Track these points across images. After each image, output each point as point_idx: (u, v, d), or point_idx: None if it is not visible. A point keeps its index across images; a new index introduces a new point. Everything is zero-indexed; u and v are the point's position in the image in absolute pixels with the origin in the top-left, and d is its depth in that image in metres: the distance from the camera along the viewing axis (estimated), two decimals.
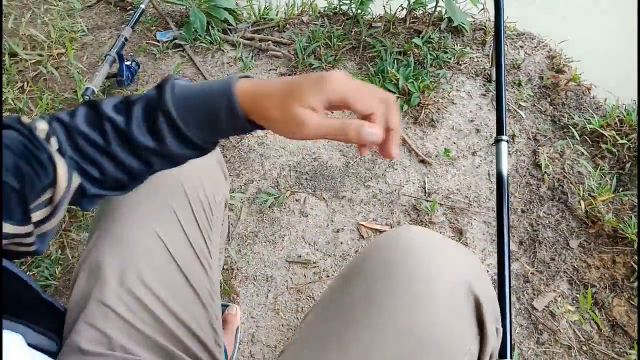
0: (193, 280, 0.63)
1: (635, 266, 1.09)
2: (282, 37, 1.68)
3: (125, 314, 0.57)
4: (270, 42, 1.66)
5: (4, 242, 0.42)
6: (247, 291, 1.16)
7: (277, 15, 1.78)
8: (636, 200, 1.17)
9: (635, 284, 1.08)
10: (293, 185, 1.34)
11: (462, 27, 1.59)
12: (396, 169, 1.34)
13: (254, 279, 1.19)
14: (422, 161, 1.34)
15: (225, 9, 1.66)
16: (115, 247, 0.60)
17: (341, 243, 1.23)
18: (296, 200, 1.31)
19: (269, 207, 1.29)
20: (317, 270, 1.19)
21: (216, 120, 0.48)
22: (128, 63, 1.53)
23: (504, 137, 0.86)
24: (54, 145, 0.48)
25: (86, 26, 1.80)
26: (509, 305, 0.73)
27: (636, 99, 1.30)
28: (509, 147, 1.31)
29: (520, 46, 1.55)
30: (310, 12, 1.78)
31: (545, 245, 1.16)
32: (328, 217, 1.28)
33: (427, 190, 1.29)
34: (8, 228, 0.42)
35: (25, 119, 0.48)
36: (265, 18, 1.78)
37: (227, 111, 0.47)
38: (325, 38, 1.61)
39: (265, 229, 1.26)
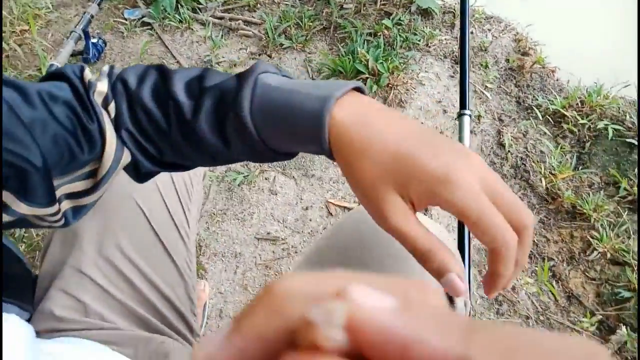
0: (172, 250, 0.63)
1: (592, 240, 1.14)
2: (252, 17, 1.67)
3: (102, 282, 0.57)
4: (240, 21, 1.65)
5: (21, 214, 0.37)
6: (215, 268, 1.17)
7: None
8: (595, 178, 1.21)
9: (590, 257, 1.13)
10: (262, 164, 1.34)
11: (432, 10, 1.61)
12: None
13: (222, 255, 1.19)
14: None
15: None
16: (93, 214, 0.59)
17: (310, 220, 1.24)
18: (265, 179, 1.32)
19: (238, 185, 1.30)
20: (285, 246, 1.20)
21: (297, 143, 0.39)
22: (94, 41, 1.50)
23: (467, 112, 0.88)
24: (111, 112, 0.41)
25: (51, 3, 1.75)
26: (470, 279, 0.76)
27: (597, 81, 1.35)
28: (474, 126, 1.34)
29: (488, 29, 1.57)
30: None
31: None
32: (297, 195, 1.29)
33: None
34: (24, 209, 0.36)
35: (88, 74, 0.41)
36: None
37: (314, 144, 0.37)
38: (296, 18, 1.61)
39: (234, 207, 1.26)
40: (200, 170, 0.74)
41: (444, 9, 1.66)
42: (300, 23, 1.60)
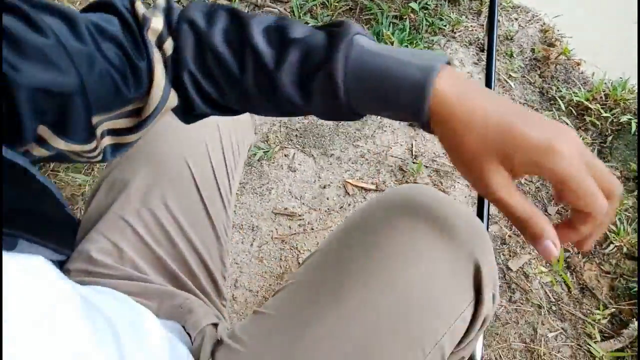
0: (212, 212, 0.64)
1: (608, 234, 1.14)
2: None
3: (142, 232, 0.58)
4: None
5: (59, 149, 0.37)
6: (232, 239, 1.18)
7: None
8: (615, 172, 1.21)
9: (606, 251, 1.13)
10: (283, 140, 1.35)
11: None
12: (385, 131, 1.36)
13: (240, 227, 1.20)
14: (411, 125, 1.36)
15: None
16: (143, 167, 0.60)
17: (327, 199, 1.25)
18: (285, 156, 1.32)
19: (258, 160, 1.30)
20: (302, 222, 1.21)
21: (388, 110, 0.39)
22: None
23: None
24: (167, 50, 0.40)
25: None
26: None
27: (623, 76, 1.33)
28: None
29: (515, 18, 1.56)
30: None
31: None
32: (315, 174, 1.30)
33: (414, 153, 1.31)
34: (61, 145, 0.36)
35: (140, 7, 0.40)
36: None
37: (410, 113, 0.38)
38: None
39: (253, 181, 1.27)
40: (248, 142, 0.75)
41: None
42: (327, 2, 1.60)
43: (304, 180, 1.29)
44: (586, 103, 1.28)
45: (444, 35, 1.52)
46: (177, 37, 0.40)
